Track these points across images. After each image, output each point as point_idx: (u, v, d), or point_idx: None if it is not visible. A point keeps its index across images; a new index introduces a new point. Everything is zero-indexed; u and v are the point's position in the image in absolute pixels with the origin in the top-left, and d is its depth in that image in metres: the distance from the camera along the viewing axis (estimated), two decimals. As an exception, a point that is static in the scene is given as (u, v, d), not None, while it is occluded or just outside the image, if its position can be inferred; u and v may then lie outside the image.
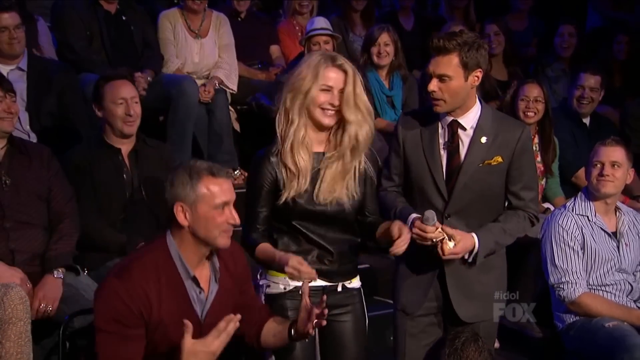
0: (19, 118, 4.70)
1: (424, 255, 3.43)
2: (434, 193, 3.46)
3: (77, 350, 3.56)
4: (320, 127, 3.35)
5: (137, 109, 4.33)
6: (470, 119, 3.45)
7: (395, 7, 7.14)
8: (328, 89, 3.29)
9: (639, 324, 4.12)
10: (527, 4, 7.34)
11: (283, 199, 3.32)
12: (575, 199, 4.35)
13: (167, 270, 3.03)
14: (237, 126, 6.11)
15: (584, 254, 4.22)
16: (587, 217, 4.27)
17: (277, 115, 3.38)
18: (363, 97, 3.32)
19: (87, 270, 4.12)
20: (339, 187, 3.36)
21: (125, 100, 4.29)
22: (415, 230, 3.32)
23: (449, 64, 3.34)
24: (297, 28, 6.61)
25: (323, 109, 3.30)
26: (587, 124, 5.73)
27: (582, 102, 5.64)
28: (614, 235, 4.30)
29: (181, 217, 3.00)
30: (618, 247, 4.28)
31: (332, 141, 3.37)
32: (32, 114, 4.93)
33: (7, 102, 4.08)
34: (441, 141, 3.47)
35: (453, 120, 3.45)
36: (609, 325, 4.10)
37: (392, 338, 3.72)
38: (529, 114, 5.15)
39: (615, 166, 4.22)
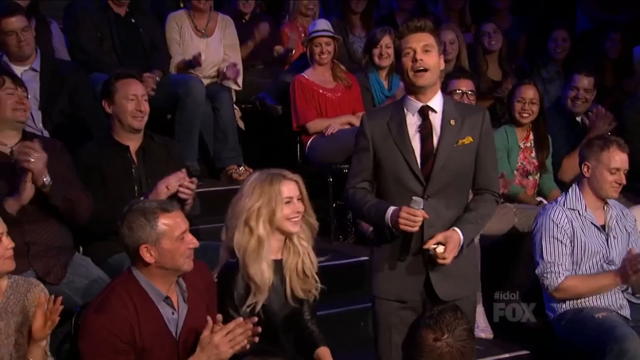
0: (32, 116, 4.78)
1: (410, 245, 3.53)
2: (411, 179, 3.51)
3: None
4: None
5: (146, 106, 4.43)
6: (437, 102, 3.56)
7: (394, 9, 7.17)
8: (289, 201, 3.54)
9: (620, 281, 4.22)
10: (505, 3, 7.34)
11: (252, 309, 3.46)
12: (567, 194, 4.43)
13: (140, 297, 3.19)
14: (241, 124, 6.16)
15: (572, 246, 4.30)
16: (578, 211, 4.35)
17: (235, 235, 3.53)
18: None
19: (94, 261, 4.19)
20: (303, 284, 3.60)
21: (137, 96, 4.38)
22: (404, 214, 3.40)
23: (429, 39, 3.51)
24: (300, 29, 6.65)
25: (289, 219, 3.54)
26: (580, 122, 5.76)
27: (576, 103, 5.68)
28: (603, 228, 4.38)
29: (147, 257, 3.16)
30: (607, 240, 4.36)
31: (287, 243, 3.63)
32: (44, 112, 5.00)
33: (18, 93, 4.14)
34: (410, 128, 3.55)
35: (424, 105, 3.54)
36: (598, 316, 4.18)
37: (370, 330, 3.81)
38: (524, 115, 5.23)
39: (624, 171, 4.36)
